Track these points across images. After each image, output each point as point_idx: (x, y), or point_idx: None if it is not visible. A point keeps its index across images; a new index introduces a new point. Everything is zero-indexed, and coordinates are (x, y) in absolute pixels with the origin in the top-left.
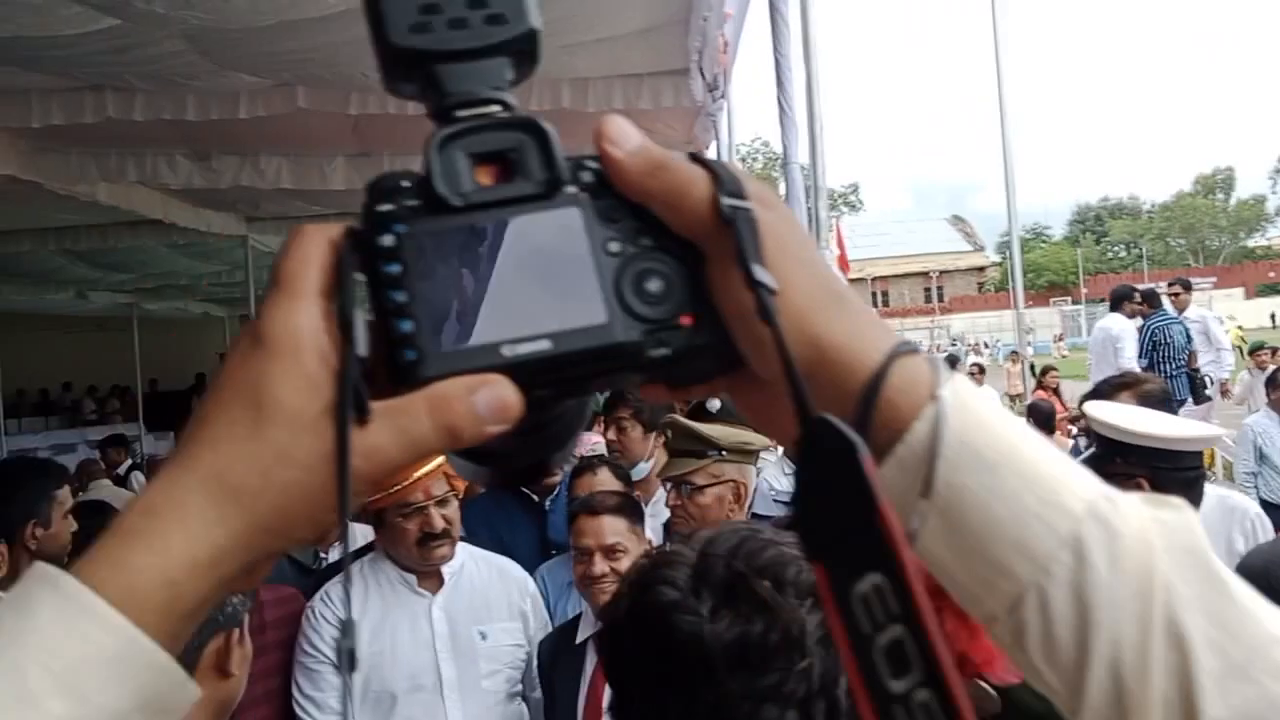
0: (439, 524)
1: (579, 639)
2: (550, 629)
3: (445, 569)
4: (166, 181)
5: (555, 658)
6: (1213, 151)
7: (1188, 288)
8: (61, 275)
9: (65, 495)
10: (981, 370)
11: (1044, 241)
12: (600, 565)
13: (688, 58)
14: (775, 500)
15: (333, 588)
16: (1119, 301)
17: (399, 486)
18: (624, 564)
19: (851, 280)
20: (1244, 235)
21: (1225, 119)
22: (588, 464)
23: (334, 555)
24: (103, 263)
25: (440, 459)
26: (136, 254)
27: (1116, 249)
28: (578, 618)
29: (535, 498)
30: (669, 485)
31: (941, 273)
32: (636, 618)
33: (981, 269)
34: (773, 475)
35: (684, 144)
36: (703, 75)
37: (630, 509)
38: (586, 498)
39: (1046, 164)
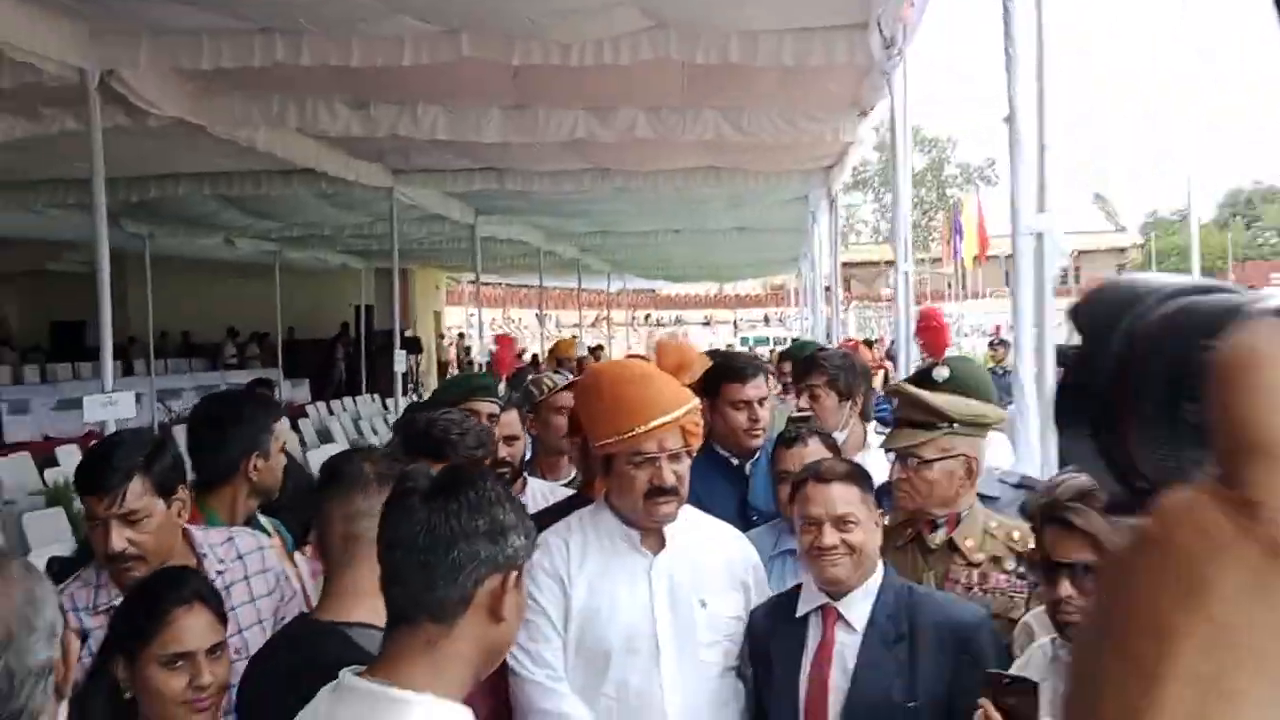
0: (669, 479)
1: (799, 612)
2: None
3: (667, 530)
4: (325, 129)
5: (773, 629)
6: None
7: None
8: (212, 220)
9: (282, 428)
10: None
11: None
12: (831, 536)
13: (868, 11)
14: (1000, 480)
15: (551, 536)
16: None
17: (632, 433)
18: (855, 536)
19: (988, 257)
20: None
21: None
22: (796, 434)
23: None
24: (252, 209)
25: (683, 409)
26: (285, 202)
27: (1268, 234)
28: (797, 589)
29: (735, 461)
30: (894, 458)
31: (1080, 252)
32: None
33: (1123, 250)
34: (997, 453)
35: (849, 103)
36: (880, 31)
37: (861, 478)
38: (815, 465)
39: (1196, 146)
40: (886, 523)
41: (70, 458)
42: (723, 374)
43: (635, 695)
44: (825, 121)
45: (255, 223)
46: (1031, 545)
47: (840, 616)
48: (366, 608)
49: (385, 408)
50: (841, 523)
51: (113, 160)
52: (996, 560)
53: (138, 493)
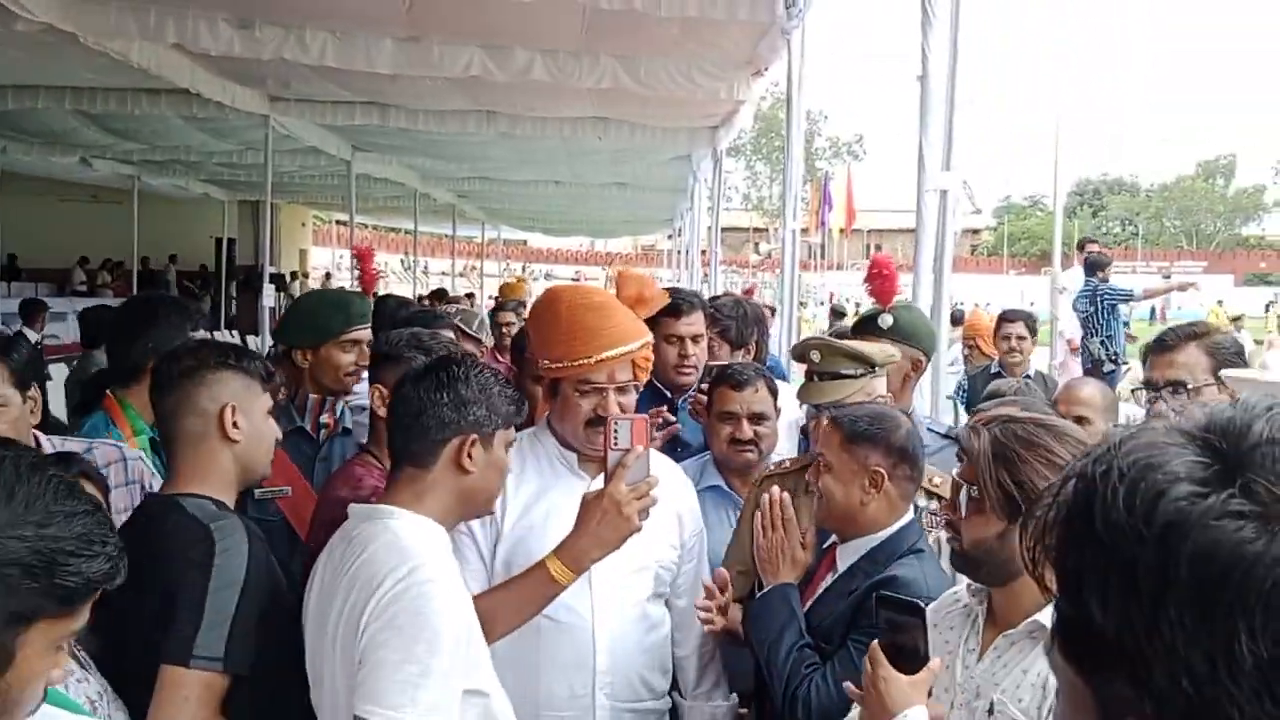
0: (614, 409)
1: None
2: (703, 533)
3: None
4: (206, 47)
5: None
6: (1218, 138)
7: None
8: (71, 138)
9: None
10: None
11: (1040, 210)
12: (747, 430)
13: None
14: (930, 430)
15: None
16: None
17: (583, 361)
18: (767, 432)
19: (853, 231)
20: (1240, 223)
21: (1231, 105)
22: (746, 377)
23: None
24: (115, 129)
25: (637, 343)
26: (151, 123)
27: (1112, 224)
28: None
29: (668, 394)
30: (815, 410)
31: None
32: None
33: (976, 231)
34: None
35: (745, 62)
36: None
37: (771, 386)
38: (729, 369)
39: (1054, 139)
40: (788, 466)
41: None
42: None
43: (566, 613)
44: (720, 79)
45: (116, 143)
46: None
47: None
48: (196, 483)
49: (245, 344)
50: (759, 419)
51: None
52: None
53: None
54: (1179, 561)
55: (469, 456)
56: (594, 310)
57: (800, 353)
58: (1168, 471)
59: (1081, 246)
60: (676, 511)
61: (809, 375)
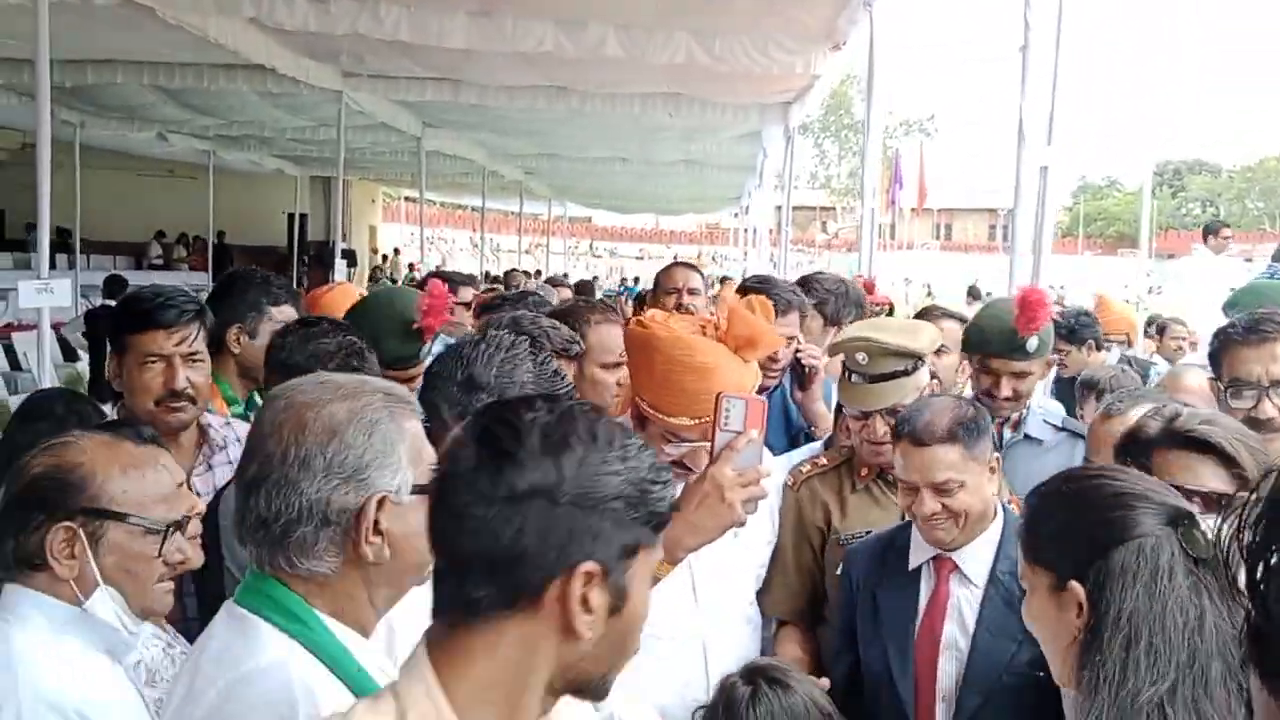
0: (701, 464)
1: (912, 564)
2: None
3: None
4: (281, 21)
5: (880, 578)
6: None
7: None
8: (148, 113)
9: (283, 314)
10: None
11: (1118, 190)
12: (930, 503)
13: None
14: (1045, 422)
15: None
16: None
17: (679, 421)
18: (958, 500)
19: (924, 210)
20: None
21: None
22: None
23: None
24: (192, 104)
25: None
26: (227, 98)
27: (1192, 205)
28: (905, 536)
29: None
30: (854, 413)
31: (1009, 211)
32: None
33: None
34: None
35: (823, 35)
36: None
37: (965, 432)
38: (913, 420)
39: (1132, 121)
40: (824, 463)
41: None
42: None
43: (672, 629)
44: (797, 53)
45: (193, 119)
46: None
47: (956, 568)
48: None
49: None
50: (940, 489)
51: (50, 40)
52: None
53: (200, 335)
54: None
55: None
56: (693, 372)
57: (845, 352)
58: None
59: (1206, 232)
60: (771, 505)
61: (849, 374)
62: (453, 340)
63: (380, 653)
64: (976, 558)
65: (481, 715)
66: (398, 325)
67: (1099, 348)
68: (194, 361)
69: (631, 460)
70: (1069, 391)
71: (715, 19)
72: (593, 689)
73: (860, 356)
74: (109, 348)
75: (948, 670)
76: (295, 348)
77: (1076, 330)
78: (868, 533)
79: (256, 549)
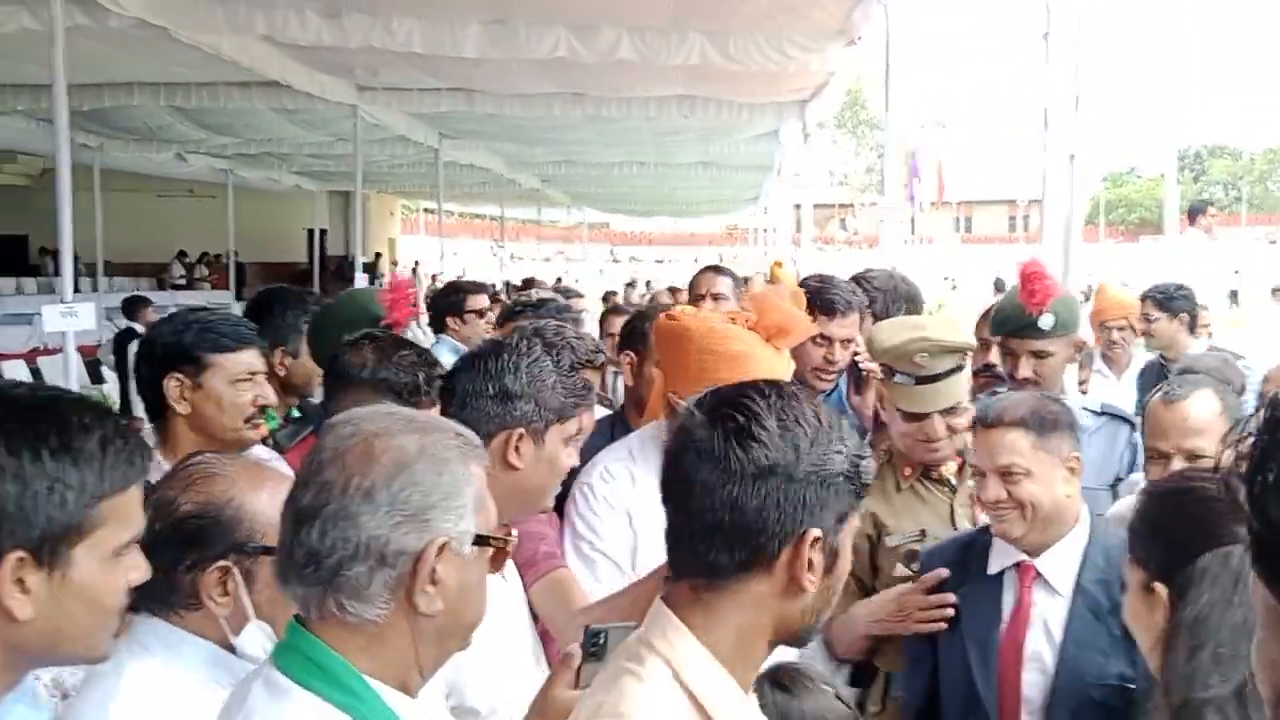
0: None
1: (992, 569)
2: None
3: None
4: (294, 37)
5: (959, 583)
6: None
7: None
8: (166, 134)
9: None
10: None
11: (1138, 176)
12: (995, 488)
13: None
14: (1084, 409)
15: (614, 465)
16: None
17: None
18: (1023, 489)
19: (944, 203)
20: None
21: None
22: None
23: None
24: (208, 124)
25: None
26: (243, 116)
27: (1214, 189)
28: (984, 540)
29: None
30: (934, 416)
31: (1030, 202)
32: None
33: None
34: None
35: (838, 32)
36: None
37: (1041, 422)
38: (989, 406)
39: (1152, 106)
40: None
41: (17, 372)
42: (810, 302)
43: None
44: (812, 50)
45: (210, 138)
46: None
47: (1039, 575)
48: None
49: None
50: (1006, 474)
51: (66, 65)
52: None
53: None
54: None
55: (516, 452)
56: (726, 361)
57: (903, 356)
58: None
59: (1193, 213)
60: None
61: (901, 375)
62: (464, 349)
63: (424, 710)
64: (1060, 564)
65: (738, 668)
66: (368, 323)
67: (1194, 329)
68: (268, 379)
69: (849, 439)
70: (1155, 381)
71: (728, 19)
72: (800, 637)
73: (921, 358)
74: (156, 368)
75: (1032, 682)
76: (375, 364)
77: (1174, 299)
78: (921, 532)
79: (303, 589)
